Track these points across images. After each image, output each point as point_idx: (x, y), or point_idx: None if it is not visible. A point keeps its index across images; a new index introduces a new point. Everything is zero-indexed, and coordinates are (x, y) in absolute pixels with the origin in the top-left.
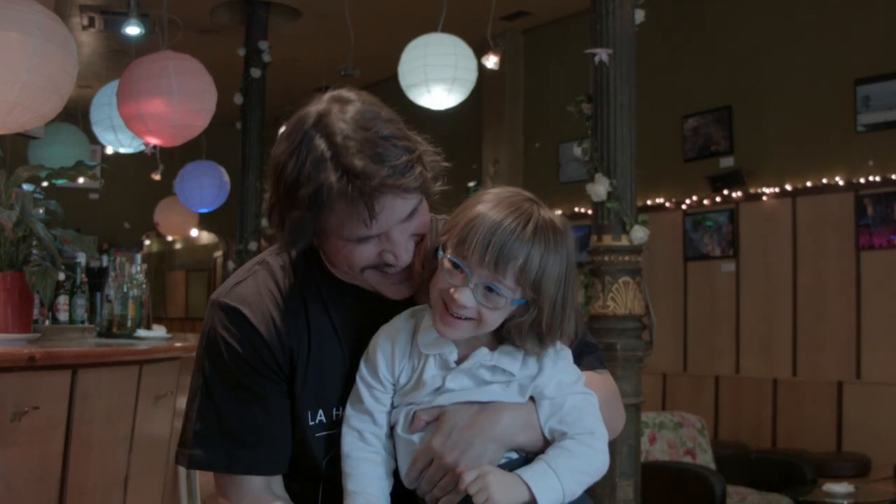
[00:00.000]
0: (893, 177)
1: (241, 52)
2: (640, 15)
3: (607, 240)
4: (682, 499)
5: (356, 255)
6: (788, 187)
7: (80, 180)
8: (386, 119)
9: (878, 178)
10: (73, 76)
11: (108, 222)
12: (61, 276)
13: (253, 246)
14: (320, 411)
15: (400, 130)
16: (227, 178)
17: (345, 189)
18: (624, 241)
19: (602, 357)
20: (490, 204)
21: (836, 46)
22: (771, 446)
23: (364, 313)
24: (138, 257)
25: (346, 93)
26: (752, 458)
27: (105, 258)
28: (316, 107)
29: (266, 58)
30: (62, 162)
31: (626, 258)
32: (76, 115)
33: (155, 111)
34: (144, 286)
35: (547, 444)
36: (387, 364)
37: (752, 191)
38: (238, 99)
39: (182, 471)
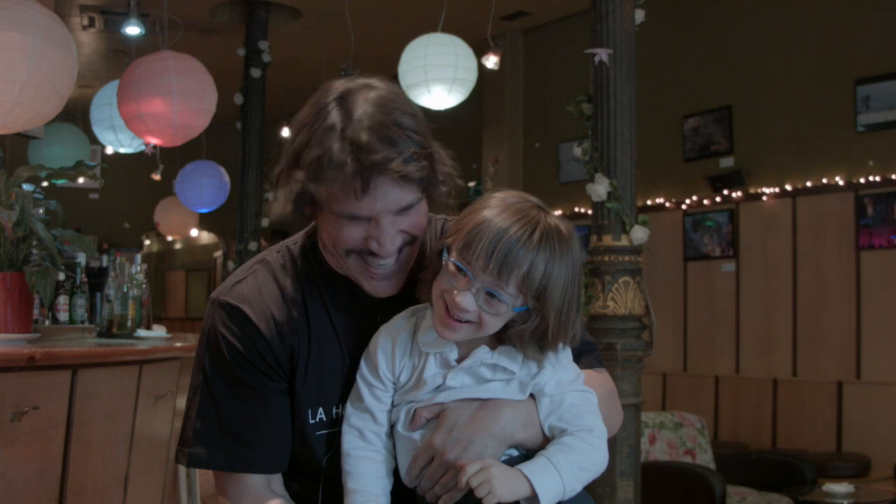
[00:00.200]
0: (893, 177)
1: (241, 52)
2: (640, 15)
3: (607, 240)
4: (682, 499)
5: (343, 233)
6: (788, 187)
7: (80, 180)
8: (407, 112)
9: (878, 178)
10: (73, 76)
11: (108, 222)
12: (61, 276)
13: (253, 246)
14: (321, 410)
15: (418, 126)
16: (227, 178)
17: (344, 159)
18: (624, 241)
19: (600, 356)
20: (497, 209)
21: (836, 46)
22: (771, 446)
23: (364, 312)
24: (138, 257)
25: (376, 80)
26: (752, 458)
27: (105, 258)
28: (344, 83)
29: (266, 58)
30: (62, 162)
31: (626, 258)
32: (76, 115)
33: (155, 111)
34: (144, 286)
35: (546, 441)
36: (387, 363)
37: (752, 191)
38: (238, 99)
39: (182, 471)
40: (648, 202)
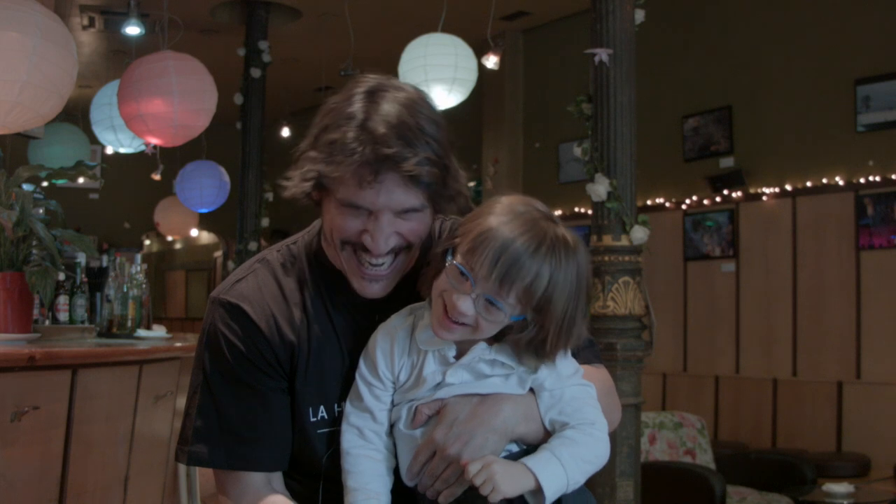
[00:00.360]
0: (893, 177)
1: (241, 52)
2: (640, 15)
3: (607, 240)
4: (682, 499)
5: (341, 221)
6: (788, 187)
7: (80, 180)
8: (432, 119)
9: (878, 178)
10: (73, 76)
11: (108, 222)
12: (61, 276)
13: (253, 246)
14: (322, 408)
15: (440, 135)
16: (227, 178)
17: (357, 146)
18: (624, 241)
19: (598, 351)
20: (506, 218)
21: (836, 46)
22: (771, 446)
23: (363, 312)
24: (138, 257)
25: (409, 85)
26: (751, 458)
27: (105, 258)
28: (378, 80)
29: (266, 58)
30: (62, 162)
31: (626, 258)
32: (76, 115)
33: (155, 111)
34: (144, 286)
35: (547, 435)
36: (386, 362)
37: (752, 191)
38: (238, 99)
39: (182, 470)
40: (648, 202)
